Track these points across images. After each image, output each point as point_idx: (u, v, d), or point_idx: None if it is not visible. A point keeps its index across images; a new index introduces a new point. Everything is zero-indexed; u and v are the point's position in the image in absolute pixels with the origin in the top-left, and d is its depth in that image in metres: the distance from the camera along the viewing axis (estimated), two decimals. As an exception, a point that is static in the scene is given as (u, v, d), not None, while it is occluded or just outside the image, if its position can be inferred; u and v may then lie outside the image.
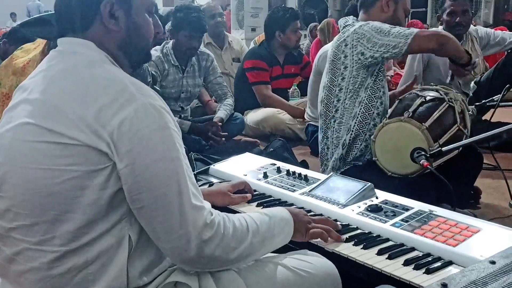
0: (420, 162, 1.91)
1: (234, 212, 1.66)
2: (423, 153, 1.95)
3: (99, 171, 1.05)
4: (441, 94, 2.17)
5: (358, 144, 2.29)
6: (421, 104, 2.13)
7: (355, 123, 2.27)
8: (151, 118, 1.06)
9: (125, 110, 1.04)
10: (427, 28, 6.31)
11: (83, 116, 1.04)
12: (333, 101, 2.32)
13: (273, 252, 1.30)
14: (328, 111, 2.35)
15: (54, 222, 1.06)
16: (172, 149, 1.08)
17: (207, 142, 3.52)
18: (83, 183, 1.05)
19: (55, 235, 1.07)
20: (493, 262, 0.78)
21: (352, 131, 2.28)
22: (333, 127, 2.34)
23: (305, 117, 3.91)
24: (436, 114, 2.08)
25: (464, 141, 2.02)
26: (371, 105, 2.27)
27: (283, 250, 1.33)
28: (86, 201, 1.05)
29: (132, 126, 1.04)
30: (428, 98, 2.16)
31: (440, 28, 3.65)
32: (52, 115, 1.06)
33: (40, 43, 2.82)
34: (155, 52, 3.49)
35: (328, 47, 3.77)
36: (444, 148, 1.94)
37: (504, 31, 3.91)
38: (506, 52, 3.86)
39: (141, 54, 1.25)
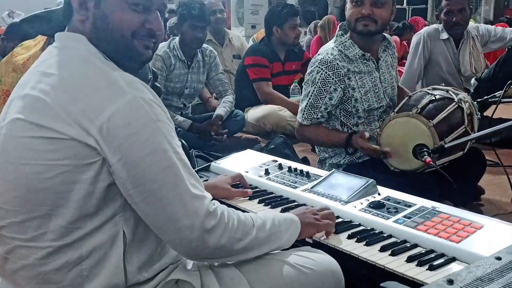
0: (423, 159, 1.90)
1: (236, 209, 1.65)
2: (425, 149, 1.94)
3: (89, 165, 1.04)
4: (450, 95, 2.17)
5: None
6: (430, 102, 2.12)
7: (348, 130, 2.28)
8: (142, 111, 1.04)
9: (115, 104, 1.03)
10: (428, 25, 6.28)
11: (71, 110, 1.02)
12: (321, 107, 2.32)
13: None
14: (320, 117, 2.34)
15: (46, 217, 1.06)
16: (164, 141, 1.07)
17: (207, 142, 3.52)
18: (73, 177, 1.04)
19: (48, 230, 1.06)
20: (499, 258, 0.77)
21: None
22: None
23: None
24: (444, 113, 2.06)
25: (466, 137, 2.01)
26: (348, 114, 2.27)
27: (286, 247, 1.32)
28: (77, 195, 1.05)
29: (122, 120, 1.02)
30: (437, 97, 2.15)
31: (440, 26, 3.66)
32: (41, 110, 1.05)
33: (40, 39, 2.81)
34: (162, 47, 3.54)
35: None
36: (447, 145, 1.93)
37: (504, 28, 3.90)
38: (506, 49, 3.86)
39: (117, 49, 1.14)
